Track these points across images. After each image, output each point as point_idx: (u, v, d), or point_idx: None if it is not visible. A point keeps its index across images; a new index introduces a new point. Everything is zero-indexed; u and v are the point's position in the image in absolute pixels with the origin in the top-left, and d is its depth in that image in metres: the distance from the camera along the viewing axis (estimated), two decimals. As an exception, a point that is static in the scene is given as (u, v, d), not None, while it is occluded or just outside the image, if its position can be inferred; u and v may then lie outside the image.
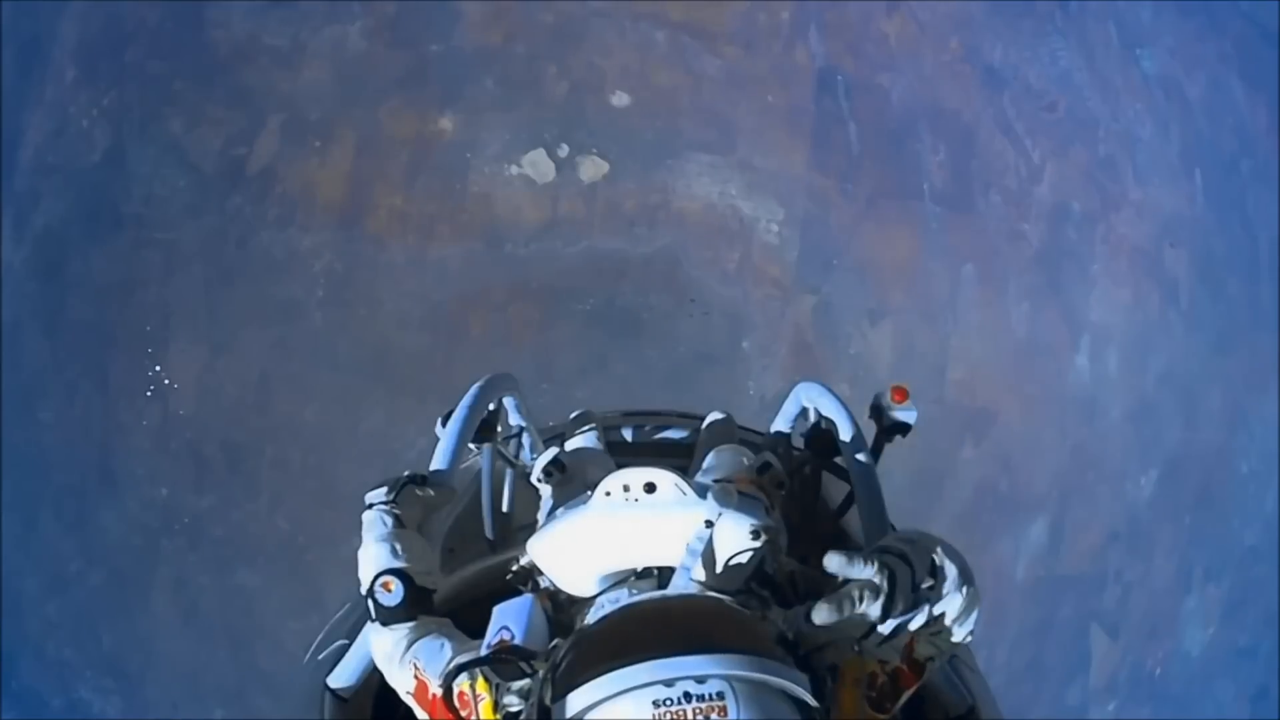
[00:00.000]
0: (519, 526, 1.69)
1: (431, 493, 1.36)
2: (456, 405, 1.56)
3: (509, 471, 1.75)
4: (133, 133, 3.29)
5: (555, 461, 1.51)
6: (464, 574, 1.51)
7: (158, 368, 3.19)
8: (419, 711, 1.16)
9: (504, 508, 1.72)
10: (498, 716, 1.01)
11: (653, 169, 3.41)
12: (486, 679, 1.03)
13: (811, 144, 3.55)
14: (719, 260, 3.42)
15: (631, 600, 1.09)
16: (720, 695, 0.89)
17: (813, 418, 1.71)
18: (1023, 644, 3.60)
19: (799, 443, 1.76)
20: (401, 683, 1.18)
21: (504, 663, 1.03)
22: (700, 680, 0.90)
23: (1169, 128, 4.00)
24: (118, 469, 3.18)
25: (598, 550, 1.29)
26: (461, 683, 1.06)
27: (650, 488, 1.31)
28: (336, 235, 3.26)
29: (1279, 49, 4.13)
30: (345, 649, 1.34)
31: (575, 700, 0.92)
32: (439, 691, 1.10)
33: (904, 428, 1.64)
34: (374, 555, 1.24)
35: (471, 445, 1.57)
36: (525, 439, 1.81)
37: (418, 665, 1.16)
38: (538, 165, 3.35)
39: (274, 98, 3.32)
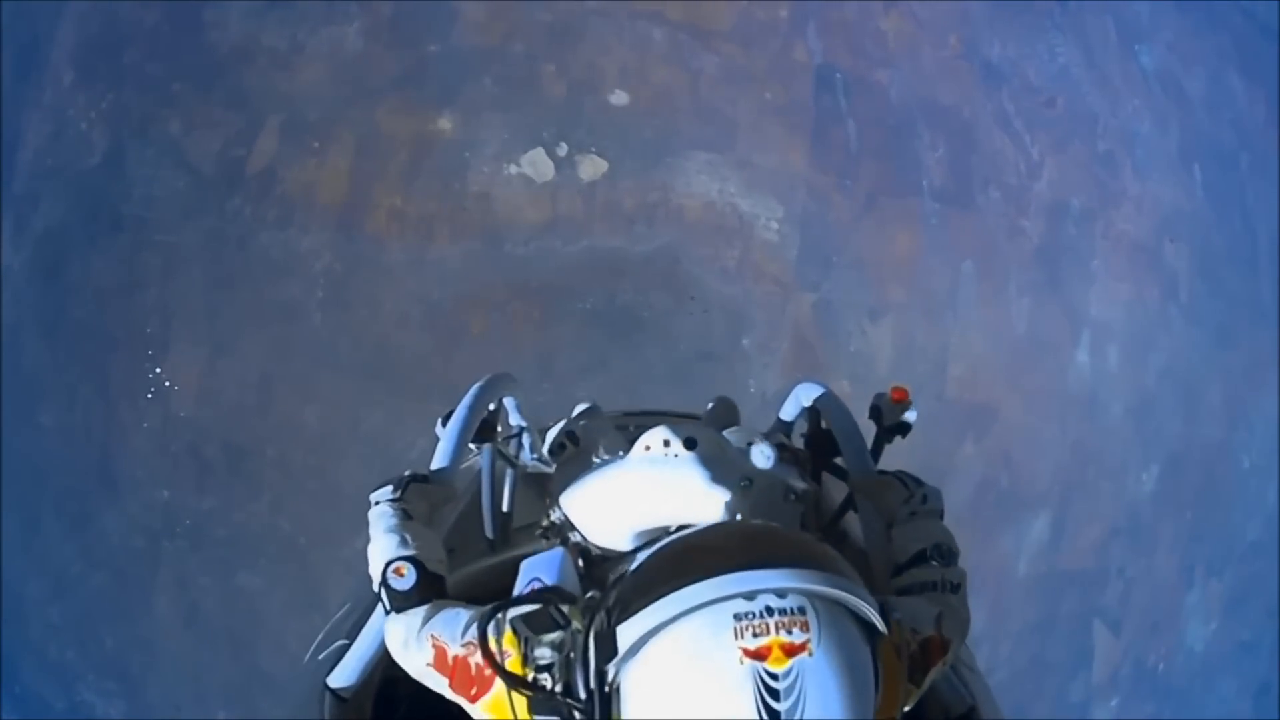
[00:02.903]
0: (519, 526, 1.69)
1: (435, 490, 1.36)
2: (456, 405, 1.56)
3: (509, 471, 1.75)
4: (131, 135, 3.29)
5: (569, 434, 1.50)
6: (464, 574, 1.50)
7: (158, 370, 3.19)
8: (436, 683, 1.12)
9: (504, 508, 1.71)
10: (528, 670, 0.96)
11: (652, 167, 3.41)
12: (515, 632, 0.98)
13: (810, 141, 3.54)
14: (719, 258, 3.42)
15: (684, 533, 1.04)
16: (801, 610, 0.86)
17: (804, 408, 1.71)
18: (1025, 640, 3.60)
19: (799, 443, 1.76)
20: (418, 659, 1.13)
21: (543, 603, 0.98)
22: (780, 594, 0.87)
23: (1168, 123, 4.00)
24: (118, 471, 3.18)
25: (635, 506, 1.28)
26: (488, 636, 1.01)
27: (691, 443, 1.31)
28: (336, 236, 3.26)
29: (1278, 43, 4.13)
30: (345, 649, 1.34)
31: (638, 624, 0.88)
32: (460, 652, 1.07)
33: (904, 428, 1.64)
34: (384, 546, 1.23)
35: (471, 445, 1.57)
36: (525, 439, 1.81)
37: (435, 635, 1.12)
38: (537, 164, 3.35)
39: (272, 99, 3.32)
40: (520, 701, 0.98)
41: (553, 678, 0.94)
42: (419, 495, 1.33)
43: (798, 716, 0.82)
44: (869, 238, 3.55)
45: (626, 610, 0.89)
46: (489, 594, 1.11)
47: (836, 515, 1.66)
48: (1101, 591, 3.73)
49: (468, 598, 1.18)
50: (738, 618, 0.85)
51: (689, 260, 3.40)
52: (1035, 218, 3.73)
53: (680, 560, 0.92)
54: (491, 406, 1.64)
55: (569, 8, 3.46)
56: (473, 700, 1.07)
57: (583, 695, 0.91)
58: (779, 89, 3.56)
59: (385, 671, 1.35)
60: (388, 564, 1.19)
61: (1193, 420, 3.88)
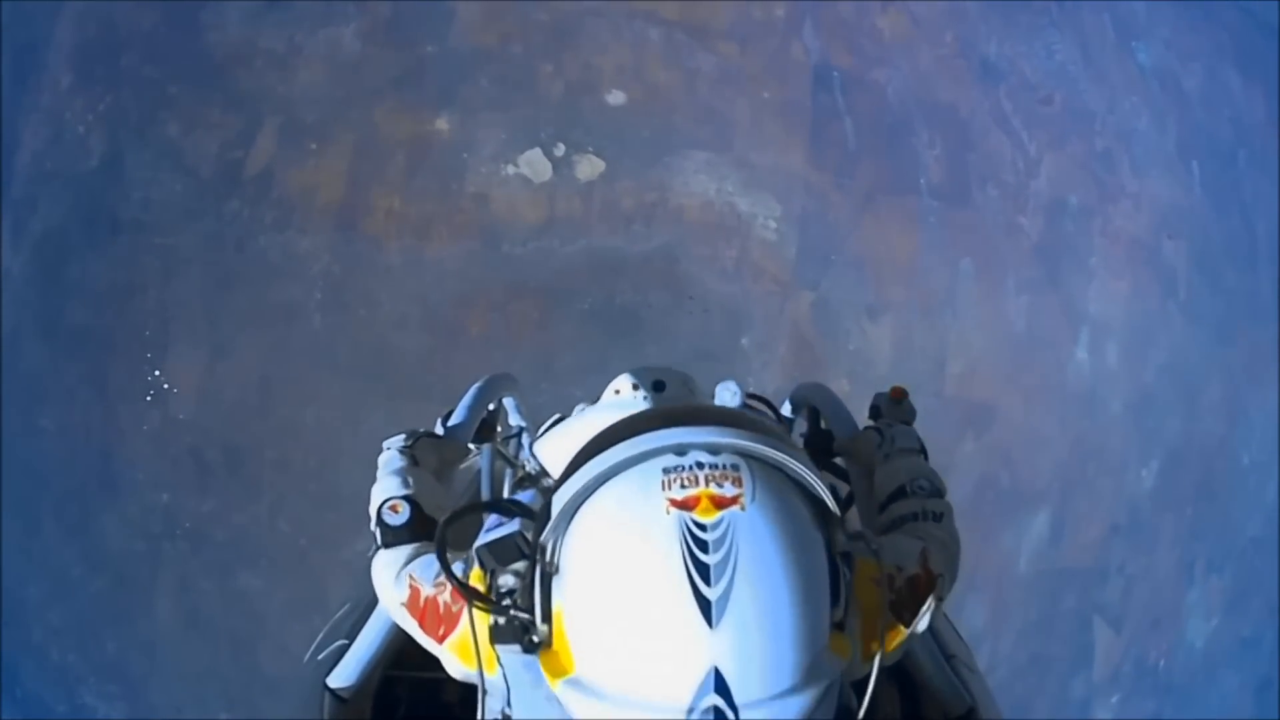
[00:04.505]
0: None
1: (446, 445, 1.36)
2: (456, 405, 1.57)
3: (509, 471, 1.75)
4: (129, 138, 3.29)
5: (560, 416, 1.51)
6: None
7: (157, 372, 3.19)
8: (409, 626, 1.11)
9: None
10: (490, 621, 0.93)
11: (649, 167, 3.41)
12: (480, 564, 0.96)
13: (808, 140, 3.55)
14: (717, 257, 3.42)
15: None
16: (735, 468, 0.82)
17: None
18: (1026, 637, 3.60)
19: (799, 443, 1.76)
20: (395, 598, 1.13)
21: (508, 534, 0.96)
22: (713, 451, 0.83)
23: (1165, 119, 4.00)
24: (118, 474, 3.18)
25: None
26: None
27: (659, 385, 1.31)
28: (334, 237, 3.26)
29: (1276, 40, 4.13)
30: (345, 649, 1.35)
31: (568, 489, 0.84)
32: (432, 592, 1.07)
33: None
34: (385, 486, 1.23)
35: (471, 445, 1.57)
36: (525, 439, 1.81)
37: (412, 575, 1.12)
38: (534, 164, 3.35)
39: (270, 100, 3.32)
40: (483, 635, 0.95)
41: (514, 603, 0.91)
42: (430, 448, 1.34)
43: (728, 572, 0.77)
44: (867, 236, 3.55)
45: (559, 483, 0.88)
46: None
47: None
48: (1102, 588, 3.73)
49: None
50: (666, 471, 0.81)
51: (687, 260, 3.40)
52: (1033, 215, 3.74)
53: (610, 431, 0.89)
54: (491, 406, 1.65)
55: (566, 8, 3.46)
56: (440, 640, 1.06)
57: (536, 595, 0.87)
58: (776, 88, 3.56)
59: (385, 671, 1.35)
60: (384, 501, 1.20)
61: (1192, 417, 3.88)
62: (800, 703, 0.79)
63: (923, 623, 1.03)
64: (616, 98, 3.42)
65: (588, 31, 3.45)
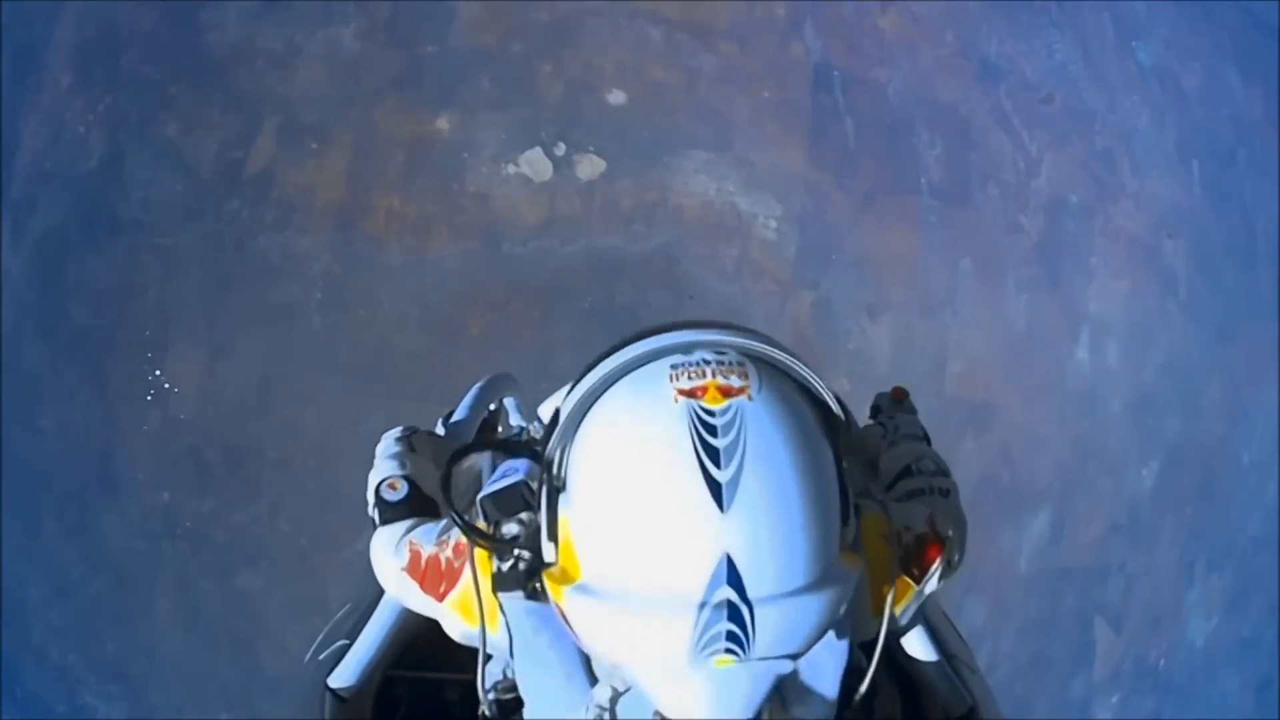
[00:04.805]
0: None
1: (445, 442, 1.37)
2: (456, 405, 1.56)
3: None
4: (129, 138, 3.28)
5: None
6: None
7: (157, 372, 3.19)
8: (409, 591, 1.10)
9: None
10: (492, 568, 0.94)
11: (650, 166, 3.41)
12: (484, 515, 0.96)
13: (808, 139, 3.55)
14: (717, 257, 3.42)
15: None
16: (741, 364, 0.83)
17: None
18: (1026, 636, 3.60)
19: None
20: (394, 566, 1.11)
21: (513, 484, 0.96)
22: (720, 350, 0.84)
23: (1165, 119, 4.00)
24: (118, 474, 3.18)
25: None
26: (460, 536, 1.00)
27: None
28: (334, 237, 3.26)
29: (1276, 39, 4.13)
30: (345, 649, 1.34)
31: (575, 395, 0.85)
32: (433, 550, 1.06)
33: None
34: (383, 468, 1.23)
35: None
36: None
37: (413, 540, 1.10)
38: (535, 164, 3.35)
39: (270, 100, 3.32)
40: (485, 584, 0.95)
41: (519, 546, 0.91)
42: (427, 441, 1.34)
43: (737, 456, 0.76)
44: (867, 236, 3.55)
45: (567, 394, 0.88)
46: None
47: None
48: (1102, 588, 3.73)
49: None
50: (673, 366, 0.82)
51: (687, 259, 3.40)
52: (1033, 214, 3.74)
53: (616, 344, 0.90)
54: (492, 407, 1.65)
55: (566, 7, 3.46)
56: (441, 598, 1.05)
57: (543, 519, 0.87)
58: (776, 87, 3.56)
59: (386, 671, 1.35)
60: (383, 479, 1.20)
61: (1192, 416, 3.88)
62: (814, 605, 0.78)
63: (931, 584, 1.03)
64: (617, 97, 3.42)
65: (588, 31, 3.45)
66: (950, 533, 1.07)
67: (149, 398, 3.18)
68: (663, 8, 3.50)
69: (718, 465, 0.76)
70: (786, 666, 0.80)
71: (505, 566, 0.91)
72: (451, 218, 3.30)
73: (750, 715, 0.82)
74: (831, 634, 0.91)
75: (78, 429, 3.19)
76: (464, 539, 0.98)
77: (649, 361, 0.84)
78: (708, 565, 0.75)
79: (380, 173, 3.30)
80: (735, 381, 0.81)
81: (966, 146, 3.69)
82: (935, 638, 1.38)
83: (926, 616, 1.36)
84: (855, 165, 3.57)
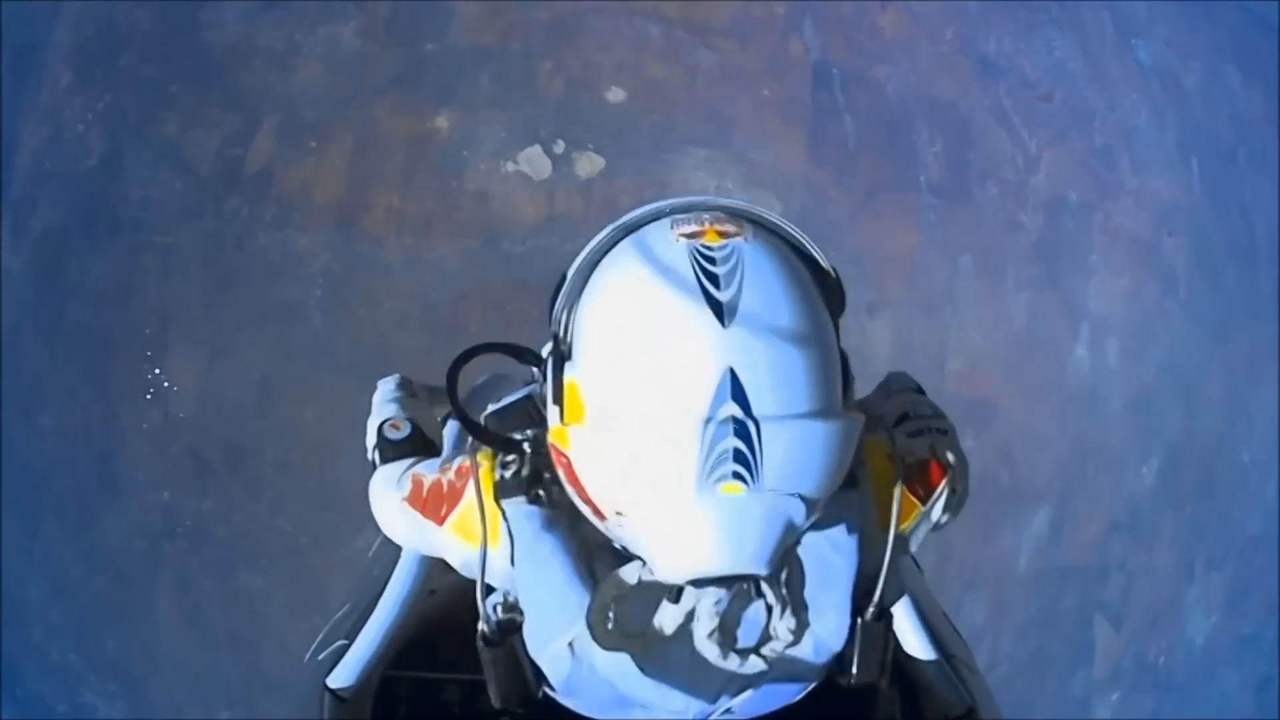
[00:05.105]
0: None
1: (439, 393, 1.40)
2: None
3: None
4: (129, 137, 3.28)
5: None
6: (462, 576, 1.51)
7: (157, 371, 3.19)
8: (409, 522, 1.10)
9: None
10: (495, 478, 0.98)
11: (649, 164, 3.40)
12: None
13: (808, 137, 3.54)
14: (717, 256, 3.41)
15: None
16: (737, 220, 0.89)
17: None
18: (1026, 635, 3.60)
19: None
20: (395, 498, 1.11)
21: (518, 353, 1.04)
22: (717, 211, 0.91)
23: (1165, 117, 3.99)
24: (118, 473, 3.18)
25: None
26: (462, 460, 1.03)
27: None
28: (334, 235, 3.26)
29: (1276, 38, 4.12)
30: (345, 649, 1.35)
31: (581, 256, 0.95)
32: (436, 476, 1.07)
33: None
34: (383, 410, 1.28)
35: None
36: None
37: (416, 471, 1.11)
38: (534, 162, 3.35)
39: (269, 99, 3.32)
40: (488, 492, 0.97)
41: (523, 458, 0.96)
42: (424, 389, 1.39)
43: (736, 280, 0.81)
44: (867, 233, 3.55)
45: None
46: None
47: None
48: (1102, 586, 3.73)
49: (469, 599, 1.18)
50: (674, 222, 0.88)
51: (687, 258, 3.39)
52: (1033, 212, 3.73)
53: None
54: (492, 407, 1.64)
55: (565, 6, 3.45)
56: (442, 520, 1.05)
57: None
58: (776, 85, 3.56)
59: (385, 671, 1.35)
60: (385, 420, 1.21)
61: (1192, 414, 3.88)
62: (819, 435, 0.79)
63: (937, 509, 1.04)
64: (616, 95, 3.42)
65: (588, 29, 3.45)
66: (953, 460, 1.09)
67: (149, 397, 3.18)
68: (662, 6, 3.49)
69: (717, 287, 0.80)
70: (798, 511, 0.80)
71: (508, 474, 0.95)
72: (451, 216, 3.30)
73: (763, 569, 0.82)
74: (841, 531, 0.94)
75: (78, 428, 3.19)
76: (467, 462, 1.01)
77: (650, 221, 0.91)
78: (711, 379, 0.76)
79: (380, 171, 3.30)
80: (731, 227, 0.86)
81: (966, 144, 3.69)
82: (934, 637, 1.38)
83: (926, 616, 1.36)
84: (854, 163, 3.57)
